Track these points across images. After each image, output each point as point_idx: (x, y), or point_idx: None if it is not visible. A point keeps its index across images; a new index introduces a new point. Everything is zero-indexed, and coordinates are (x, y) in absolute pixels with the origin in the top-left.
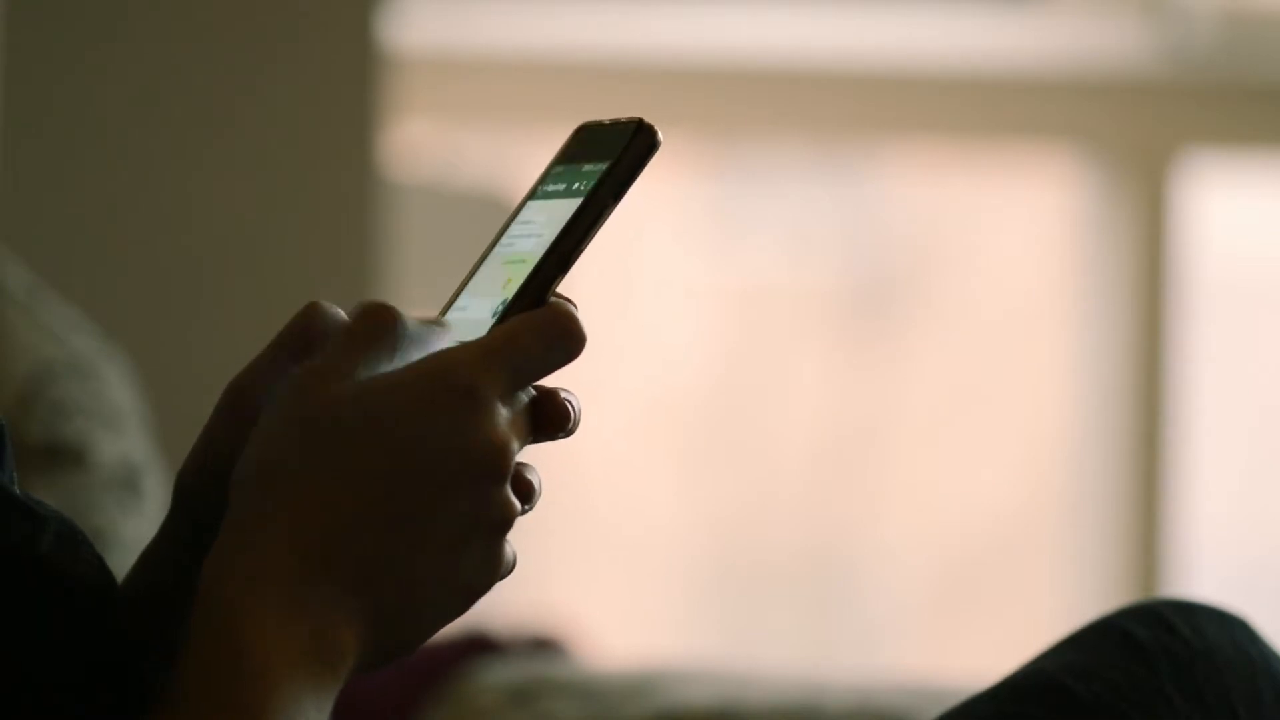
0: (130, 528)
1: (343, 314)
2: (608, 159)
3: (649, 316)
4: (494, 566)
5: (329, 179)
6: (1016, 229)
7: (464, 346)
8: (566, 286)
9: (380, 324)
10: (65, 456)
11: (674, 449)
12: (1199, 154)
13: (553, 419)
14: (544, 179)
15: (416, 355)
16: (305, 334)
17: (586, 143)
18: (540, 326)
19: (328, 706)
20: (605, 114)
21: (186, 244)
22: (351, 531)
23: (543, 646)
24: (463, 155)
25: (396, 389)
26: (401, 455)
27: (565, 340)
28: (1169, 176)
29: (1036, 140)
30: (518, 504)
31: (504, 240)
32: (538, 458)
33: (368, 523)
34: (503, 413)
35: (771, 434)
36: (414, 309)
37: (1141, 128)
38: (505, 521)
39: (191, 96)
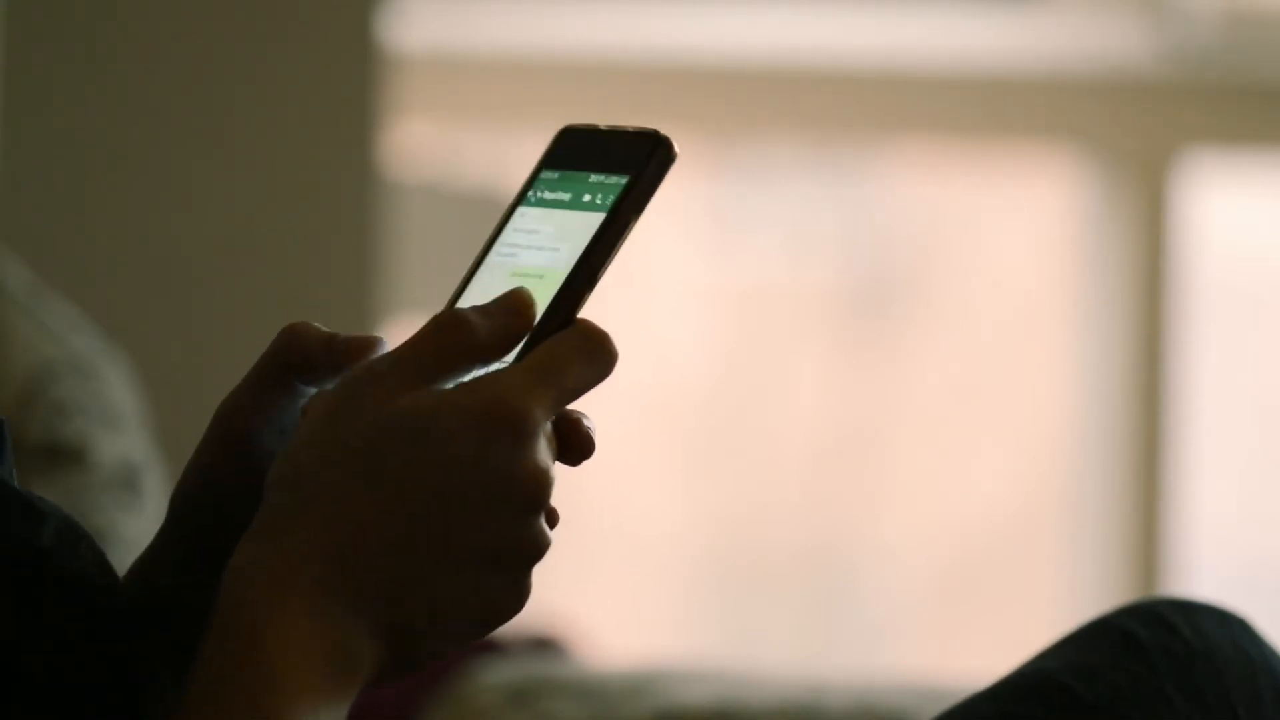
0: (130, 527)
1: (323, 330)
2: (625, 172)
3: (649, 316)
4: (518, 597)
5: (329, 179)
6: (1017, 229)
7: (512, 370)
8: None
9: (453, 343)
10: (65, 456)
11: (674, 449)
12: (1199, 154)
13: (575, 448)
14: (534, 184)
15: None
16: (287, 356)
17: (583, 149)
18: (581, 349)
19: (342, 717)
20: (604, 114)
21: (186, 244)
22: (384, 546)
23: (543, 646)
24: (463, 155)
25: (447, 409)
26: (444, 476)
27: (604, 362)
28: (1169, 176)
29: (1036, 140)
30: (550, 536)
31: (502, 249)
32: None
33: (401, 539)
34: (543, 446)
35: (771, 434)
36: (415, 309)
37: (1141, 128)
38: (537, 554)
39: (191, 96)
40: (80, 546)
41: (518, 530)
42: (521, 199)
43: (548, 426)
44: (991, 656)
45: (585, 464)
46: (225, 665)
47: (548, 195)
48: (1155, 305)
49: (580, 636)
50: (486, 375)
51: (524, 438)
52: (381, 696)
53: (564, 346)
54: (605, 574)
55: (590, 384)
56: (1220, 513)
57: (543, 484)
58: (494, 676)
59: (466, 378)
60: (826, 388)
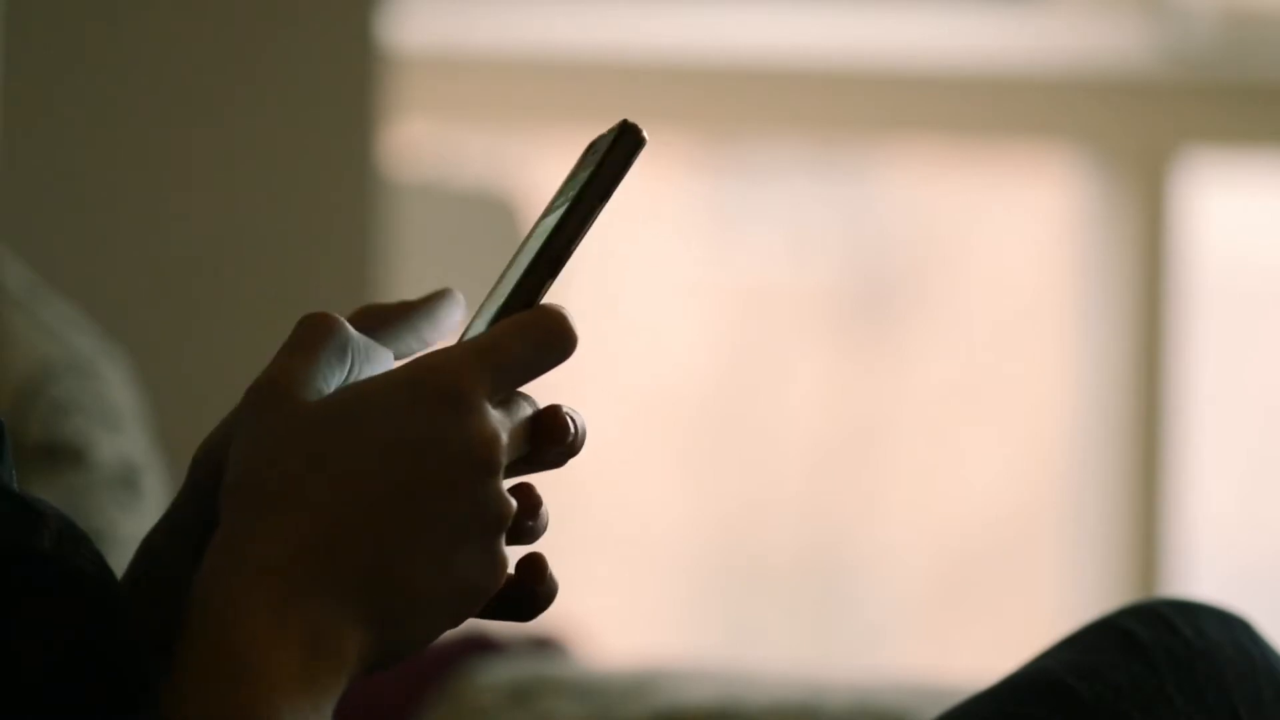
0: (130, 527)
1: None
2: (595, 163)
3: (649, 315)
4: (494, 564)
5: (329, 179)
6: (1016, 229)
7: (449, 348)
8: (560, 289)
9: (323, 330)
10: (64, 456)
11: (674, 448)
12: (1199, 154)
13: (551, 432)
14: (555, 196)
15: (369, 367)
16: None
17: (588, 154)
18: (527, 327)
19: (329, 709)
20: (603, 113)
21: (186, 243)
22: (345, 536)
23: (543, 646)
24: (463, 155)
25: (381, 392)
26: (390, 457)
27: (554, 340)
28: (1169, 176)
29: (1036, 140)
30: (513, 501)
31: (517, 259)
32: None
33: (360, 526)
34: (490, 412)
35: (771, 433)
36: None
37: (1141, 128)
38: (500, 518)
39: (191, 96)
40: (80, 547)
41: (474, 498)
42: (545, 213)
43: (524, 409)
44: (991, 656)
45: (585, 463)
46: (199, 669)
47: (556, 202)
48: (1155, 305)
49: (580, 636)
50: (423, 355)
51: (460, 410)
52: (382, 696)
53: (509, 326)
54: (605, 573)
55: (542, 362)
56: (1220, 513)
57: (488, 449)
58: (494, 676)
59: (370, 368)
60: (826, 387)
